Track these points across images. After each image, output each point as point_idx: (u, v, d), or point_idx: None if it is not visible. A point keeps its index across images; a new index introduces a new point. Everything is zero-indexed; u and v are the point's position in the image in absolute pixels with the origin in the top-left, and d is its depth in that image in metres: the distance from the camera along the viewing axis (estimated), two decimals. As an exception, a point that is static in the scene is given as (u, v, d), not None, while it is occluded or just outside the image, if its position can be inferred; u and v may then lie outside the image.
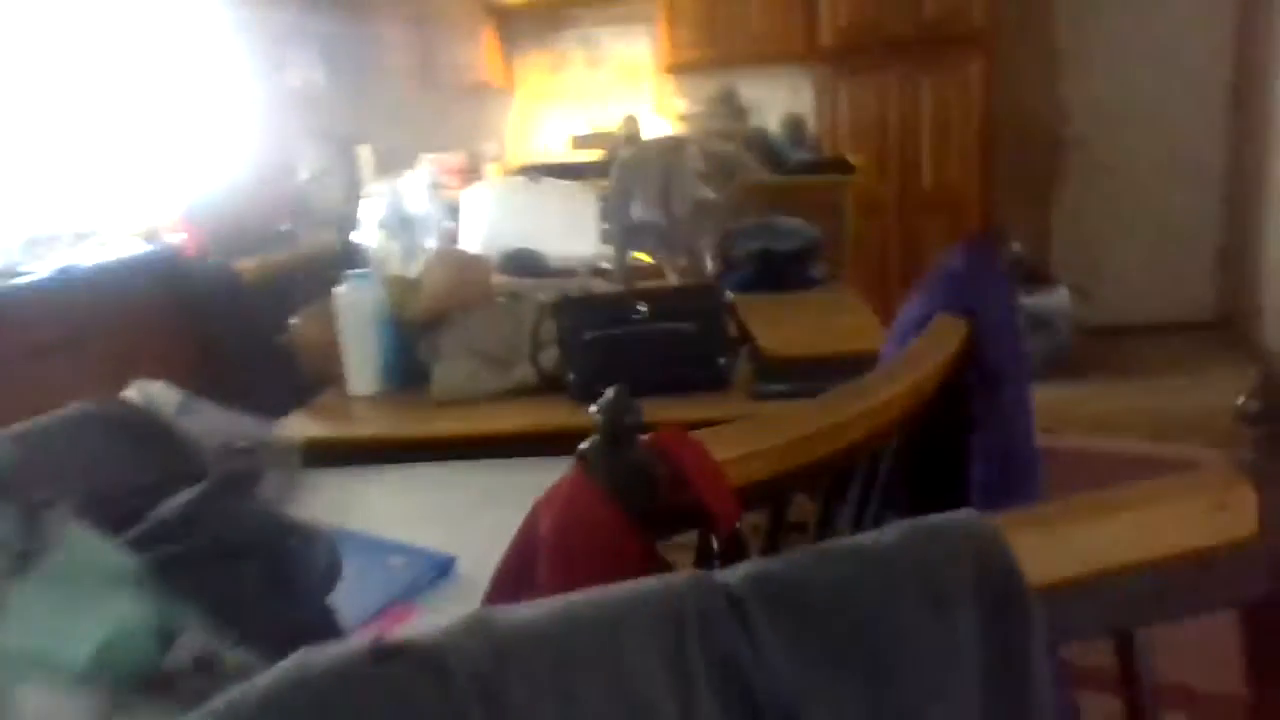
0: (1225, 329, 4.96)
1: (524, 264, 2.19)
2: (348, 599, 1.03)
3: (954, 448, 0.84)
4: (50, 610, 0.39)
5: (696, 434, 0.58)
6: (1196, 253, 5.02)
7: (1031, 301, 4.50)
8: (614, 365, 1.61)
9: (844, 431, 0.64)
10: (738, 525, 0.54)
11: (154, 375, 1.53)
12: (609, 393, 0.58)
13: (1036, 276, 4.74)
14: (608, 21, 4.91)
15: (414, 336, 1.78)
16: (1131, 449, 1.74)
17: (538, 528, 0.55)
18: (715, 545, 0.55)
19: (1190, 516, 0.48)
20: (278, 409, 1.71)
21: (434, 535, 1.20)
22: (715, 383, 1.60)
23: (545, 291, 1.88)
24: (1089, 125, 4.91)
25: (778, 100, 4.58)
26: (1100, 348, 4.73)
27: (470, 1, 4.73)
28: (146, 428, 1.15)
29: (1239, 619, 0.52)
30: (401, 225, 2.03)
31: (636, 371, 1.63)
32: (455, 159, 4.98)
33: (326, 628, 0.93)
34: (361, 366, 1.76)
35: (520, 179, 2.56)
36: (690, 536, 0.57)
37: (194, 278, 2.64)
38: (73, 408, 1.11)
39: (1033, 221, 5.01)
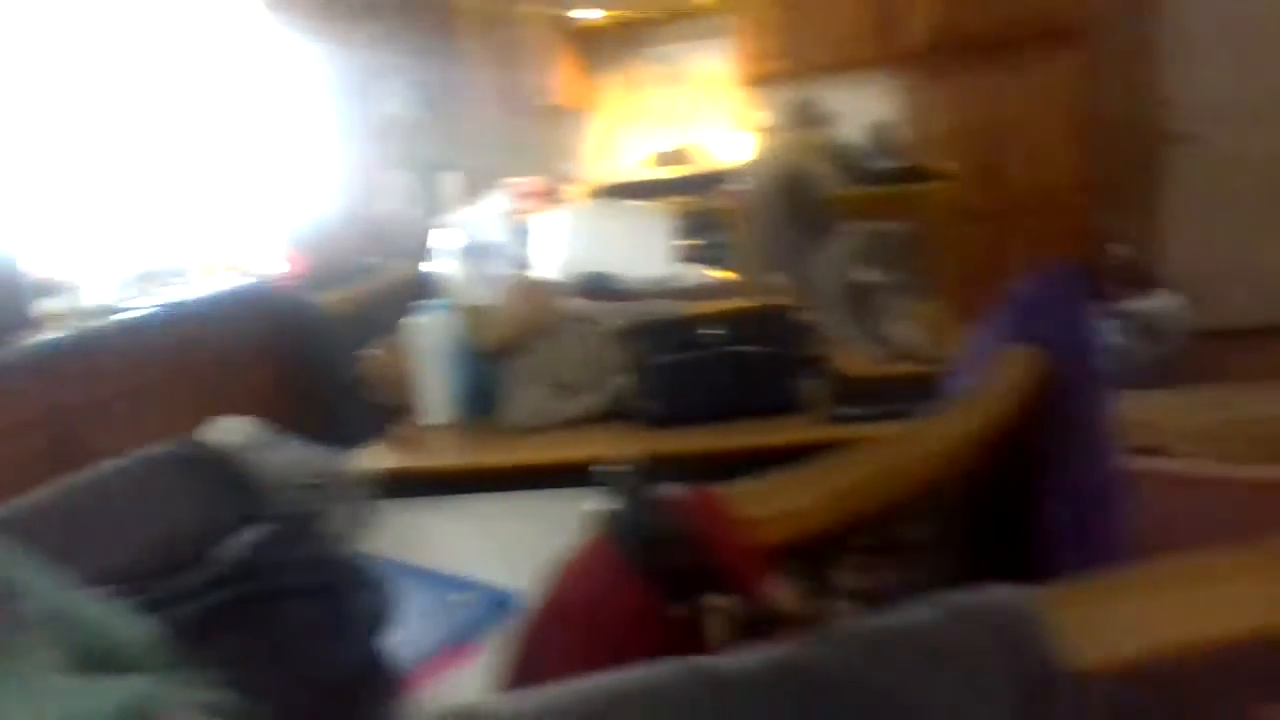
0: (1362, 330, 4.60)
1: (598, 287, 2.17)
2: (407, 639, 1.02)
3: (1023, 489, 0.77)
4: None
5: (730, 490, 0.54)
6: (1323, 249, 4.67)
7: (1140, 307, 4.27)
8: (686, 390, 1.58)
9: (898, 481, 0.59)
10: (768, 590, 0.50)
11: (248, 409, 1.58)
12: (629, 458, 0.54)
13: (1145, 281, 4.49)
14: (685, 38, 4.90)
15: (488, 365, 1.78)
16: (1246, 474, 1.60)
17: (560, 595, 0.51)
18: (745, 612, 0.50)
19: (1263, 589, 0.41)
20: (358, 441, 1.74)
21: (500, 568, 1.19)
22: (790, 406, 1.54)
23: (617, 316, 1.86)
24: (1197, 119, 4.63)
25: (863, 108, 4.48)
26: (1215, 354, 4.44)
27: (549, 25, 4.78)
28: (218, 468, 1.17)
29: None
30: (476, 253, 2.05)
31: (708, 396, 1.59)
32: (538, 182, 5.04)
33: (377, 671, 0.93)
34: (436, 396, 1.76)
35: (593, 202, 2.56)
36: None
37: (280, 312, 2.73)
38: (144, 450, 1.13)
39: (1139, 223, 4.75)
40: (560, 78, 4.88)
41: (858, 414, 1.46)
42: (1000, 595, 0.40)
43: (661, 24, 4.87)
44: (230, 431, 1.48)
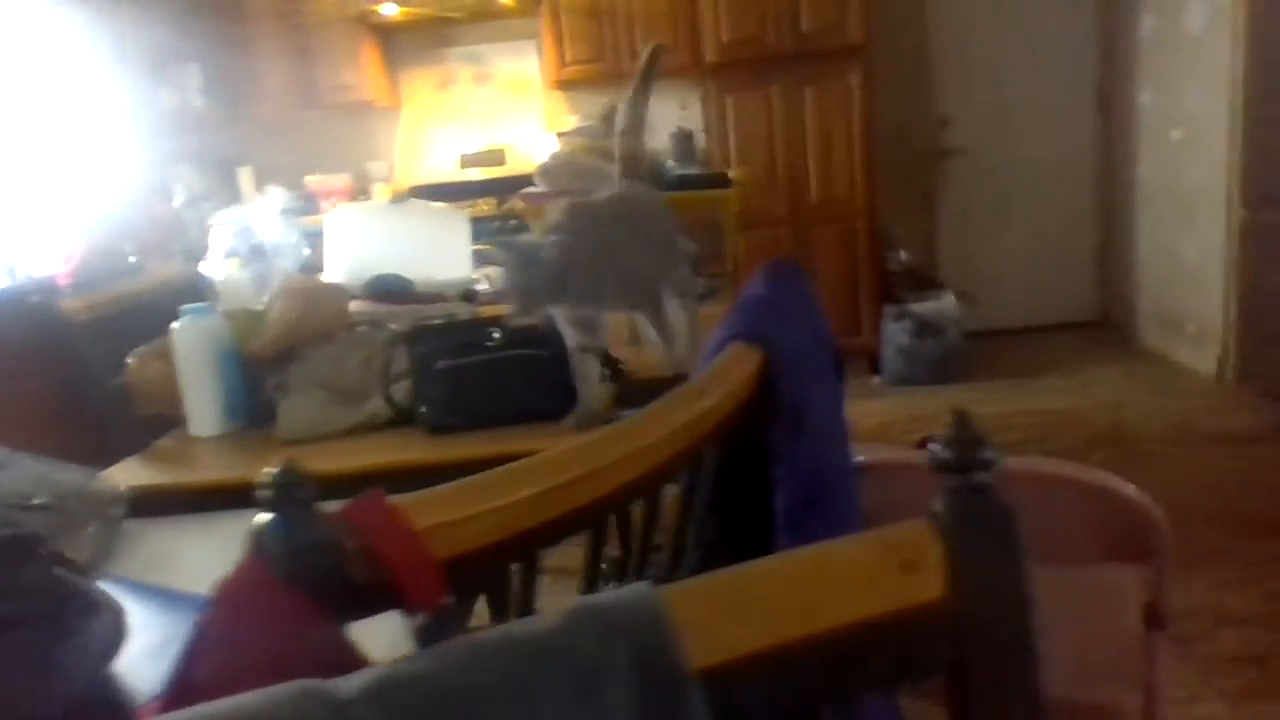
0: (1107, 328, 5.17)
1: (388, 291, 2.12)
2: (153, 664, 0.96)
3: (760, 478, 0.81)
4: None
5: (400, 500, 0.54)
6: (1076, 254, 5.23)
7: (921, 308, 4.61)
8: (466, 395, 1.56)
9: (599, 480, 0.61)
10: (444, 603, 0.50)
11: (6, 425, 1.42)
12: (275, 464, 0.53)
13: (925, 283, 4.86)
14: (493, 38, 4.86)
15: (261, 372, 1.70)
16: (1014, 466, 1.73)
17: (209, 616, 0.50)
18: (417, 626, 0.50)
19: (875, 580, 0.45)
20: (115, 455, 1.61)
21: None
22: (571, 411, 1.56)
23: (403, 320, 1.82)
24: (967, 134, 5.07)
25: (668, 116, 4.59)
26: (987, 351, 4.88)
27: (350, 19, 4.61)
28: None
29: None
30: (253, 254, 1.95)
31: (489, 401, 1.58)
32: (342, 180, 4.86)
33: (105, 700, 0.87)
34: (203, 406, 1.66)
35: (389, 202, 2.49)
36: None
37: (37, 318, 2.49)
38: None
39: (919, 229, 5.14)
40: (362, 73, 4.72)
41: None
42: (625, 595, 0.42)
43: (467, 23, 4.81)
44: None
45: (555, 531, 0.61)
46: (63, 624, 0.88)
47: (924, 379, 4.57)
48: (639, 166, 1.83)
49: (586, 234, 1.40)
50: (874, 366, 4.70)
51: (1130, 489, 1.47)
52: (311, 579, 0.48)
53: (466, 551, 0.55)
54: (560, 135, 3.99)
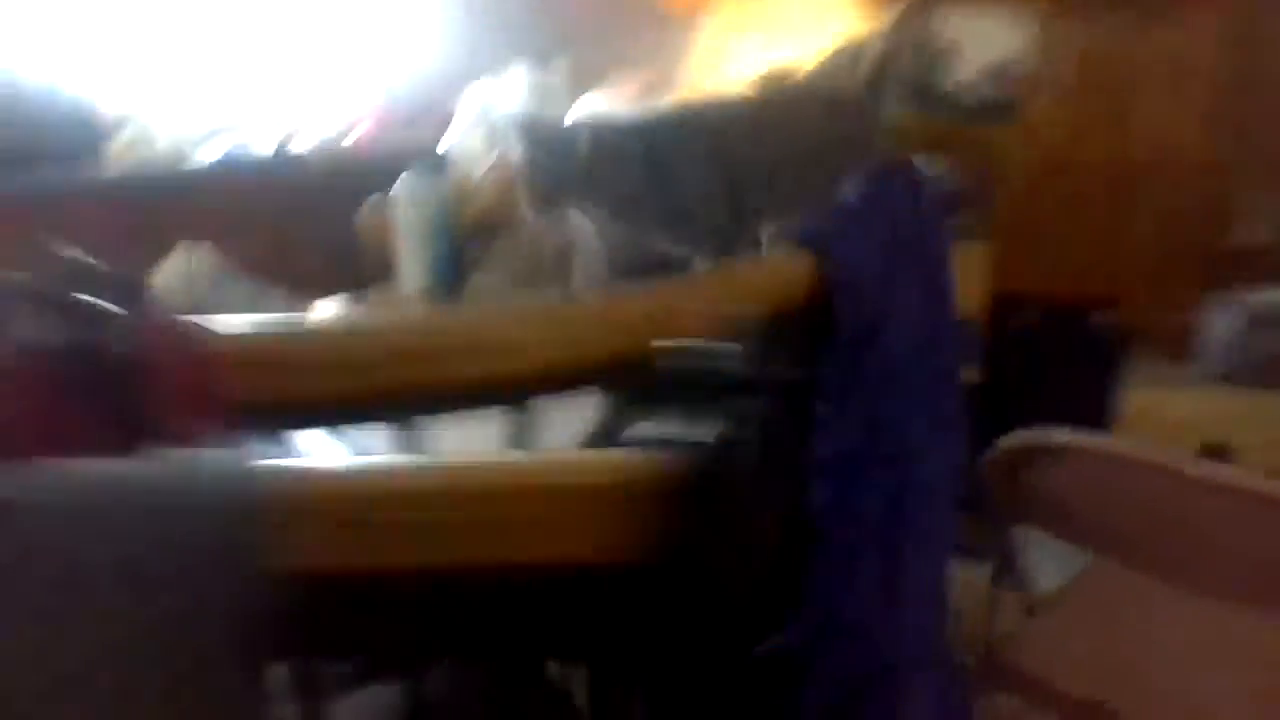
0: None
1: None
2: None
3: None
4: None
5: (231, 331, 0.49)
6: None
7: (1261, 297, 3.88)
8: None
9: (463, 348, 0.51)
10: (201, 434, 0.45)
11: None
12: (69, 260, 0.50)
13: (1277, 266, 4.08)
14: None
15: (465, 242, 1.76)
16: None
17: None
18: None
19: (557, 512, 0.33)
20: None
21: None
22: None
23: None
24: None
25: (987, 41, 4.14)
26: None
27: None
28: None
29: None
30: (491, 130, 2.00)
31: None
32: (638, 82, 4.91)
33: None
34: (411, 265, 1.76)
35: (630, 103, 2.47)
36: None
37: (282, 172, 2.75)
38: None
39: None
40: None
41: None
42: (233, 465, 0.35)
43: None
44: (190, 265, 1.53)
45: (415, 403, 0.53)
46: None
47: (1251, 380, 3.85)
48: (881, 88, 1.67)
49: (653, 137, 1.17)
50: (1189, 354, 4.05)
51: None
52: (81, 377, 0.46)
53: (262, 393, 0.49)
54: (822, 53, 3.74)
